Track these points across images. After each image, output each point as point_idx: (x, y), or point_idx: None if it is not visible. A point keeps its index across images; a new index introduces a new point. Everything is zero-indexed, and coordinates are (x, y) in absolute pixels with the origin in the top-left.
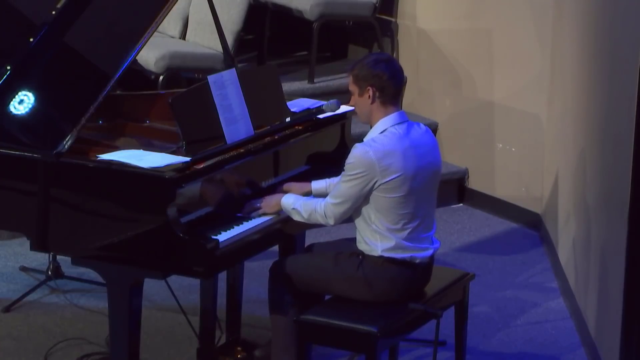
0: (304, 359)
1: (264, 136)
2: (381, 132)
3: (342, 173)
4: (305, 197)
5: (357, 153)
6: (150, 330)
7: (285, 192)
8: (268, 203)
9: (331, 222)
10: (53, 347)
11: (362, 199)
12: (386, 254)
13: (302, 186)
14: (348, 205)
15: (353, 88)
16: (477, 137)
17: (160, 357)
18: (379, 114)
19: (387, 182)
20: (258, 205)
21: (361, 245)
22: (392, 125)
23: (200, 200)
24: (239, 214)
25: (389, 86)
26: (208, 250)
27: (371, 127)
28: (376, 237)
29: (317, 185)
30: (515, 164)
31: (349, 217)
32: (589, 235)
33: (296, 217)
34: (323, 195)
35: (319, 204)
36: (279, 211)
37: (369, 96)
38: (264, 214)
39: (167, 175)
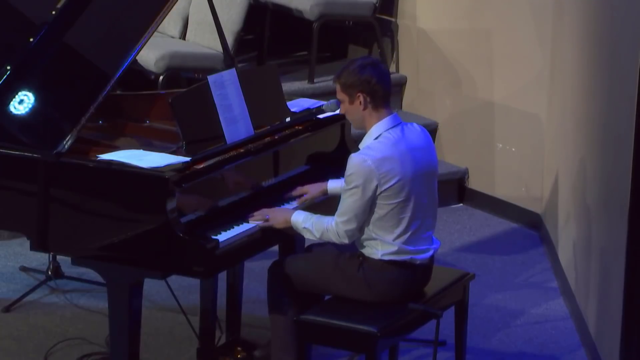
0: (304, 359)
1: (264, 136)
2: (376, 138)
3: (343, 188)
4: (316, 215)
5: (354, 163)
6: (150, 330)
7: (304, 193)
8: (276, 218)
9: (346, 241)
10: (53, 347)
11: (370, 209)
12: (386, 258)
13: (318, 187)
14: (358, 220)
15: (342, 97)
16: (477, 137)
17: (160, 357)
18: (372, 120)
19: (387, 188)
20: (267, 217)
21: (361, 248)
22: (387, 130)
23: (200, 201)
24: (243, 222)
25: (379, 89)
26: (208, 250)
27: (365, 133)
28: (377, 244)
29: (333, 184)
30: (515, 164)
31: None
32: (589, 236)
33: (307, 235)
34: (339, 194)
35: (330, 224)
36: (288, 228)
37: (360, 102)
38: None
39: (167, 175)
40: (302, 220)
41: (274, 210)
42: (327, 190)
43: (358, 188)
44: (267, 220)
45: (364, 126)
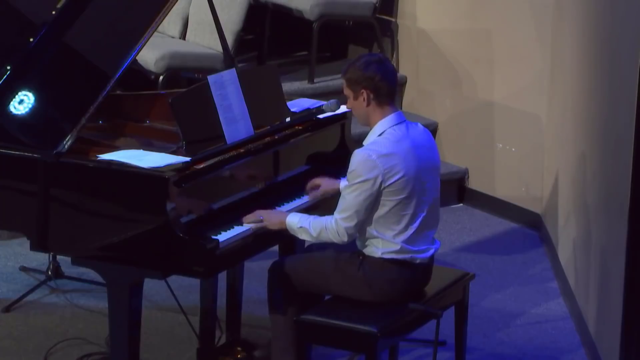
0: (304, 359)
1: (264, 136)
2: (380, 135)
3: (346, 185)
4: (312, 216)
5: (359, 159)
6: (150, 330)
7: (316, 185)
8: (271, 220)
9: (345, 239)
10: (53, 347)
11: (372, 207)
12: (386, 256)
13: (332, 183)
14: (359, 217)
15: (348, 92)
16: (477, 137)
17: (160, 357)
18: (376, 116)
19: (391, 184)
20: (261, 218)
21: (361, 246)
22: (391, 127)
23: (199, 202)
24: (238, 225)
25: (383, 87)
26: (208, 250)
27: (370, 129)
28: (378, 241)
29: (345, 184)
30: (515, 164)
31: None
32: (589, 235)
33: (303, 236)
34: None
35: (329, 222)
36: (282, 229)
37: (364, 99)
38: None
39: (167, 175)
40: (298, 221)
41: (268, 212)
42: (339, 189)
43: (362, 184)
44: (261, 222)
45: (369, 122)
